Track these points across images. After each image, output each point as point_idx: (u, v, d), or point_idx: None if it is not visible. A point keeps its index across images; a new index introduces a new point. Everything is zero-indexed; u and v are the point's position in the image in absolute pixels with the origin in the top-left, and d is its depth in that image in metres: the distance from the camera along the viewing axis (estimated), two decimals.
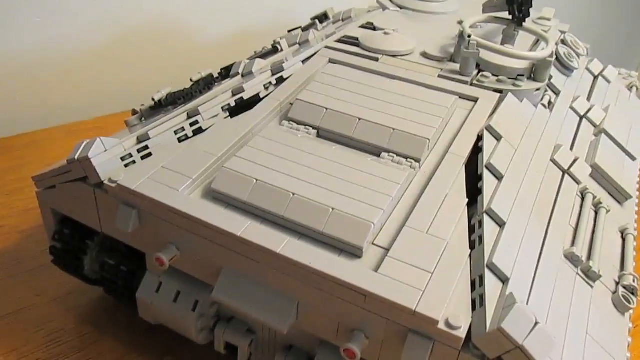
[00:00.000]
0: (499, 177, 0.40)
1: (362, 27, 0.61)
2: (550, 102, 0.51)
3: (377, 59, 0.52)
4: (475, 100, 0.48)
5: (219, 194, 0.37)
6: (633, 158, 0.53)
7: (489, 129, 0.43)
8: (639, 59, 1.74)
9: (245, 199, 0.36)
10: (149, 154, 0.41)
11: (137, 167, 0.40)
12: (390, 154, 0.41)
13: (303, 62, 0.52)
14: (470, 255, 0.34)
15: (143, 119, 0.50)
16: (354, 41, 0.56)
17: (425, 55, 0.54)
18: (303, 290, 0.34)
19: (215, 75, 0.52)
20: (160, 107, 0.49)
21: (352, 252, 0.34)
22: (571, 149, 0.48)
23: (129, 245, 0.42)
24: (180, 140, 0.43)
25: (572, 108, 0.53)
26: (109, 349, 0.46)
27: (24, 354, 0.45)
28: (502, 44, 0.56)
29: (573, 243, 0.39)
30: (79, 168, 0.39)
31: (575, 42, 0.64)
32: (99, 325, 0.48)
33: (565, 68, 0.57)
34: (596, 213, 0.44)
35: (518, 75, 0.49)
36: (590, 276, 0.37)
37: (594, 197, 0.44)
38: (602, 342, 0.34)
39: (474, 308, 0.31)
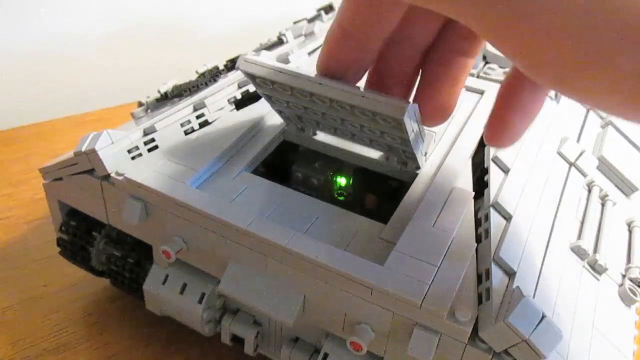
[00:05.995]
0: (505, 170, 0.39)
1: None
2: (557, 94, 0.51)
3: None
4: (481, 92, 0.48)
5: None
6: None
7: None
8: None
9: None
10: (156, 147, 0.41)
11: (144, 160, 0.40)
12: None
13: (309, 54, 0.52)
14: (476, 249, 0.34)
15: (149, 110, 0.50)
16: None
17: None
18: (309, 284, 0.34)
19: (221, 67, 0.52)
20: (166, 99, 0.49)
21: None
22: (577, 141, 0.47)
23: (135, 237, 0.42)
24: (186, 132, 0.43)
25: None
26: (115, 339, 0.47)
27: (30, 344, 0.46)
28: None
29: (579, 236, 0.39)
30: (86, 160, 0.39)
31: None
32: (105, 316, 0.49)
33: None
34: (602, 206, 0.44)
35: None
36: (597, 269, 0.37)
37: (601, 190, 0.44)
38: (608, 335, 0.34)
39: (480, 302, 0.31)
